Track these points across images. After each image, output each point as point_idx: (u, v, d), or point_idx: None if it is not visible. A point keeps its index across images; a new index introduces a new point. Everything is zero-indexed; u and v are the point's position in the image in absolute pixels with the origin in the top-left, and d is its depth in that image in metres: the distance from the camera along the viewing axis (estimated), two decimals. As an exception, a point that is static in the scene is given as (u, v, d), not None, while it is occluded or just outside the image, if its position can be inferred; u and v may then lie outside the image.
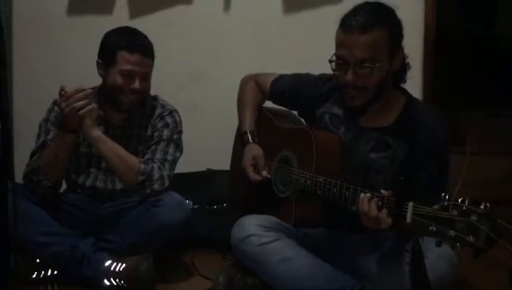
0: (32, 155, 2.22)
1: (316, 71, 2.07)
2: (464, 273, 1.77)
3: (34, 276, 2.11)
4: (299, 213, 1.90)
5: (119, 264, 2.10)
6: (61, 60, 2.91)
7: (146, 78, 2.20)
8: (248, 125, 2.14)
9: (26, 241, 2.06)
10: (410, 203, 1.48)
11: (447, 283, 1.68)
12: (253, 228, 1.88)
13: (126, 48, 2.14)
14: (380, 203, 1.57)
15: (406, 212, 1.48)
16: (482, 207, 1.36)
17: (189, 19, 2.94)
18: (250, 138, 2.11)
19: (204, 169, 2.82)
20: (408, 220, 1.48)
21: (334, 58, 1.78)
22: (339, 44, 1.76)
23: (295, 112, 2.18)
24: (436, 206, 1.41)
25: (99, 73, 2.22)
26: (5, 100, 1.40)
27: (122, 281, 2.08)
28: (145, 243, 2.14)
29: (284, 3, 2.90)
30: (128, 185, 2.19)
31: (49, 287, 2.10)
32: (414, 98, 1.90)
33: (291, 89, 2.08)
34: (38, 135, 2.25)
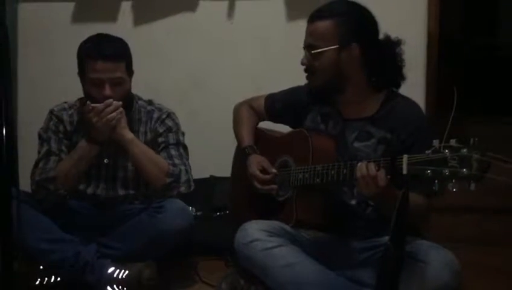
0: (36, 164, 2.23)
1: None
2: (466, 280, 1.78)
3: (37, 283, 2.11)
4: (300, 211, 1.94)
5: (122, 271, 2.10)
6: (65, 68, 2.91)
7: (117, 82, 2.15)
8: (247, 141, 2.20)
9: (30, 248, 2.07)
10: (405, 155, 1.56)
11: (449, 290, 1.69)
12: (257, 233, 1.89)
13: (89, 55, 2.14)
14: (376, 167, 1.66)
15: (402, 165, 1.55)
16: (471, 142, 1.44)
17: (192, 26, 2.96)
18: (251, 150, 2.16)
19: (207, 176, 2.83)
20: (404, 171, 1.55)
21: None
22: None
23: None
24: (428, 151, 1.50)
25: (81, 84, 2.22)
26: (9, 108, 1.41)
27: (125, 288, 2.08)
28: (148, 250, 2.14)
29: (287, 11, 2.92)
30: (155, 186, 2.19)
31: (52, 293, 2.11)
32: (396, 92, 2.00)
33: (285, 100, 2.20)
34: (41, 144, 2.27)
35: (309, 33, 1.95)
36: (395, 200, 1.54)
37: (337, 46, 1.90)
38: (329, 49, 1.90)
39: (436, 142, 1.49)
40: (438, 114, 2.88)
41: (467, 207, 2.92)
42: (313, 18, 1.94)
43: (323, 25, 1.91)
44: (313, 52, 1.93)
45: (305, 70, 1.99)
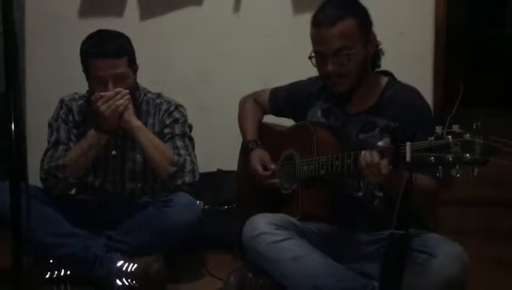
0: (46, 152, 2.25)
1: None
2: (472, 273, 1.77)
3: (47, 276, 2.13)
4: (306, 204, 1.94)
5: (131, 264, 2.11)
6: (72, 63, 2.92)
7: (120, 78, 2.16)
8: (251, 135, 2.21)
9: (39, 242, 2.09)
10: (408, 143, 1.55)
11: (458, 283, 1.68)
12: (264, 226, 1.88)
13: (91, 54, 2.15)
14: (379, 155, 1.65)
15: (405, 152, 1.54)
16: (474, 127, 1.43)
17: (199, 20, 2.96)
18: (254, 145, 2.16)
19: (215, 170, 2.83)
20: (408, 159, 1.54)
21: (312, 54, 1.92)
22: (314, 40, 1.92)
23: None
24: (431, 138, 1.49)
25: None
26: (18, 103, 1.42)
27: (133, 282, 2.10)
28: (156, 244, 2.15)
29: (293, 4, 2.91)
30: (160, 174, 2.20)
31: (62, 287, 2.12)
32: (395, 78, 2.00)
33: (288, 95, 2.20)
34: (50, 133, 2.29)
35: (334, 37, 1.84)
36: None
37: (364, 40, 1.88)
38: (360, 47, 1.86)
39: (439, 129, 1.48)
40: (445, 106, 2.87)
41: (474, 200, 2.91)
42: (331, 20, 1.85)
43: (347, 23, 1.85)
44: (343, 54, 1.85)
45: (332, 78, 1.91)
